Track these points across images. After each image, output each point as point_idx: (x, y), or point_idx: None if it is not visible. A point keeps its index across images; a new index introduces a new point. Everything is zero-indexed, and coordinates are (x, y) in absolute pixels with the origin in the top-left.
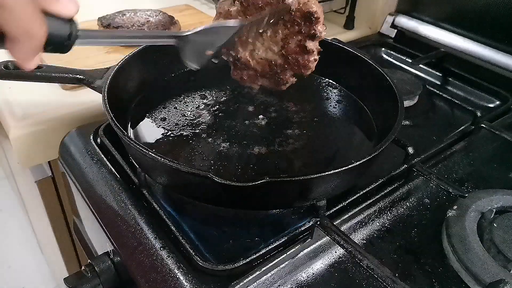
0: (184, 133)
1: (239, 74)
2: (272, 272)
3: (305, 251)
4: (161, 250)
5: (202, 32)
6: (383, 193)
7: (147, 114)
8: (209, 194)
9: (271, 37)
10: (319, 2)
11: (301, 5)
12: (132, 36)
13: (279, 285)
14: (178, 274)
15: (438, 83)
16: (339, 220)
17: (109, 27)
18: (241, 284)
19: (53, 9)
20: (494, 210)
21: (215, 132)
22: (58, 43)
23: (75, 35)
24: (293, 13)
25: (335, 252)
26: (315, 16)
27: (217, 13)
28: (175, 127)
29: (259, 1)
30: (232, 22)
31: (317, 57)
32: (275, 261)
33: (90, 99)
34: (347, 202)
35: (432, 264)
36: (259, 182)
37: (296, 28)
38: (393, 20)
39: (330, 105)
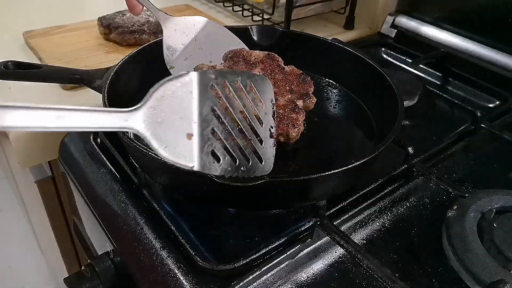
0: None
1: None
2: (272, 272)
3: (305, 251)
4: (161, 250)
5: (155, 99)
6: (383, 193)
7: None
8: (209, 194)
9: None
10: (318, 2)
11: (294, 70)
12: (60, 119)
13: (279, 285)
14: (178, 274)
15: (438, 83)
16: (339, 220)
17: (109, 27)
18: (241, 284)
19: None
20: (494, 210)
21: None
22: None
23: None
24: (289, 77)
25: (335, 252)
26: (308, 78)
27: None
28: None
29: (249, 59)
30: (183, 72)
31: (304, 119)
32: (275, 261)
33: (90, 99)
34: (347, 202)
35: (432, 264)
36: (259, 182)
37: (287, 87)
38: (393, 20)
39: (330, 105)
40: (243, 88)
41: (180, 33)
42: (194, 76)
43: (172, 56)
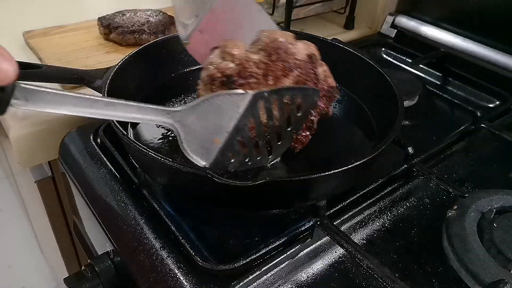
0: None
1: None
2: (272, 272)
3: (305, 251)
4: (161, 250)
5: (202, 107)
6: (383, 193)
7: None
8: (209, 194)
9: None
10: (318, 2)
11: (327, 78)
12: (110, 106)
13: (279, 285)
14: (178, 274)
15: (438, 83)
16: (339, 220)
17: (109, 27)
18: (241, 284)
19: None
20: (494, 210)
21: None
22: None
23: (10, 89)
24: (319, 85)
25: (335, 252)
26: (336, 95)
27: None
28: None
29: (289, 59)
30: (240, 91)
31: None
32: (275, 261)
33: None
34: (347, 202)
35: (432, 264)
36: (259, 182)
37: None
38: (393, 20)
39: (330, 105)
40: (290, 101)
41: (191, 2)
42: (249, 95)
43: (186, 30)
